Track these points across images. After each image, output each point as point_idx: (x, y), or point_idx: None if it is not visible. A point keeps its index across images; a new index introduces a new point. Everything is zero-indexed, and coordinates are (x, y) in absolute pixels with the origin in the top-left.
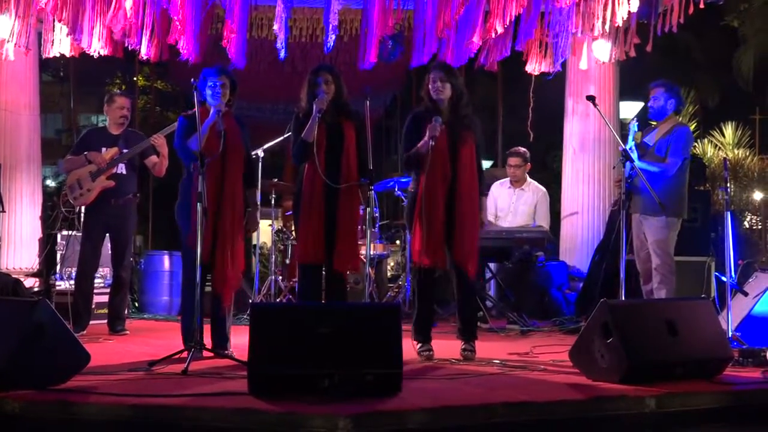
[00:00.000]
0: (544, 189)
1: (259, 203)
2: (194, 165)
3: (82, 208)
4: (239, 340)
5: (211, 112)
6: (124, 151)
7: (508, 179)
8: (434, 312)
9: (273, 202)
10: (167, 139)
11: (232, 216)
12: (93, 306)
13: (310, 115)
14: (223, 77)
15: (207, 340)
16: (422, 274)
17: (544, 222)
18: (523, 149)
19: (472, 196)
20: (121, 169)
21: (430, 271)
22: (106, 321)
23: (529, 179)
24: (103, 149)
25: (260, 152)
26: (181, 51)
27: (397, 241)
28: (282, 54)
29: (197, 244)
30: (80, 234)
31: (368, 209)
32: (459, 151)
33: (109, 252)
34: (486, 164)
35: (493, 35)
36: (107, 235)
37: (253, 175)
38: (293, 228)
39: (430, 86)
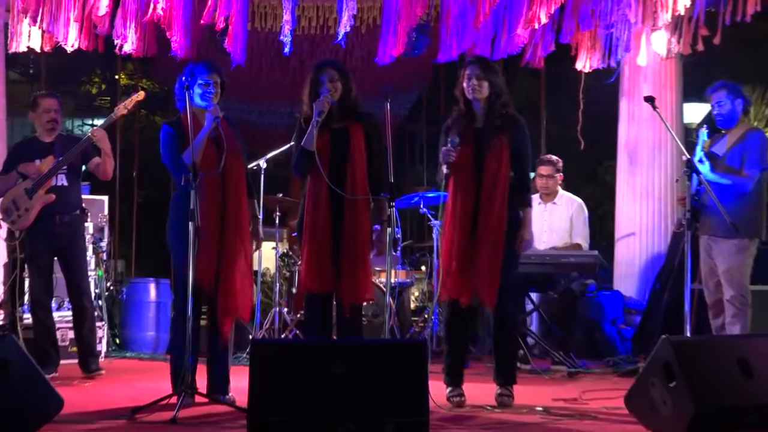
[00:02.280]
0: (580, 200)
1: (260, 217)
2: (185, 178)
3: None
4: (238, 382)
5: (207, 118)
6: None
7: (537, 195)
8: (467, 350)
9: (277, 221)
10: (151, 148)
11: (238, 234)
12: (67, 343)
13: (311, 119)
14: (216, 75)
15: (201, 384)
16: (451, 307)
17: (581, 239)
18: (555, 157)
19: (493, 213)
20: (62, 180)
21: (460, 303)
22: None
23: (561, 191)
24: (37, 161)
25: (262, 163)
26: (172, 44)
27: (423, 267)
28: (287, 48)
29: (188, 269)
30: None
31: (389, 229)
32: (484, 161)
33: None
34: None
35: (536, 26)
36: (56, 259)
37: (249, 185)
38: (300, 251)
39: (464, 84)
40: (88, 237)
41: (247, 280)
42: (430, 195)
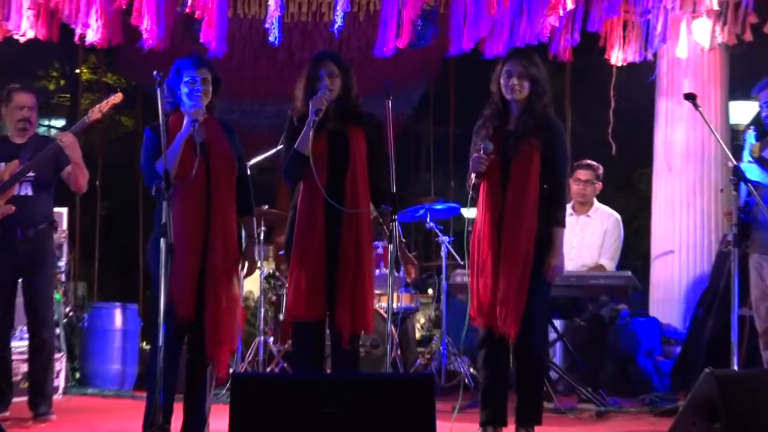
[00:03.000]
0: (617, 215)
1: (263, 234)
2: (156, 188)
3: None
4: (217, 424)
5: (185, 121)
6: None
7: (569, 205)
8: (507, 383)
9: (262, 237)
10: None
11: (225, 254)
12: (20, 377)
13: (306, 118)
14: (204, 70)
15: (175, 425)
16: (486, 334)
17: (607, 259)
18: (595, 162)
19: (520, 230)
20: (26, 189)
21: (494, 331)
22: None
23: (596, 203)
24: (2, 164)
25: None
26: (143, 33)
27: (430, 290)
28: (274, 37)
29: (162, 292)
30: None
31: (390, 247)
32: (511, 166)
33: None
34: None
35: (562, 12)
36: (20, 281)
37: (248, 199)
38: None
39: (502, 82)
40: None
41: (236, 307)
42: (438, 207)
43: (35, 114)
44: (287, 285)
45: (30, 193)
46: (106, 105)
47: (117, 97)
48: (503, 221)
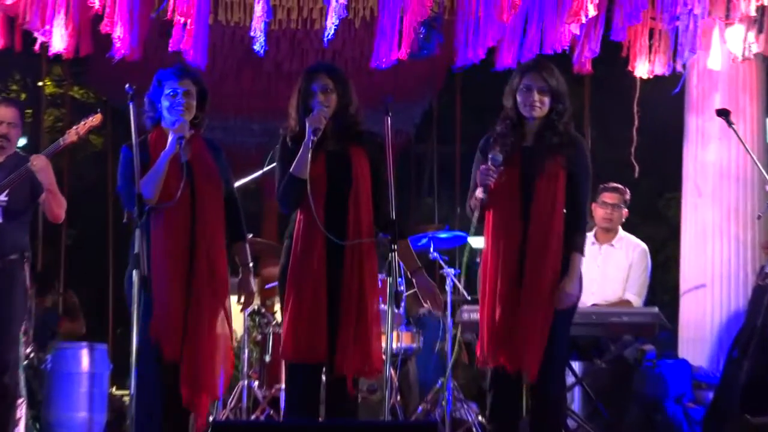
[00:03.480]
0: (644, 246)
1: (251, 265)
2: (128, 214)
3: None
4: None
5: (170, 139)
6: None
7: (591, 233)
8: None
9: None
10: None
11: (211, 287)
12: None
13: (302, 139)
14: (188, 81)
15: None
16: (496, 373)
17: (633, 295)
18: (622, 186)
19: (545, 261)
20: None
21: (506, 372)
22: None
23: (621, 231)
24: None
25: None
26: (115, 42)
27: None
28: (260, 46)
29: (134, 330)
30: None
31: (389, 279)
32: (534, 190)
33: None
34: None
35: (584, 19)
36: None
37: (239, 223)
38: (277, 308)
39: (520, 98)
40: None
41: (219, 347)
42: (443, 236)
43: (16, 131)
44: (278, 322)
45: (0, 220)
46: (83, 127)
47: (96, 119)
48: (526, 247)
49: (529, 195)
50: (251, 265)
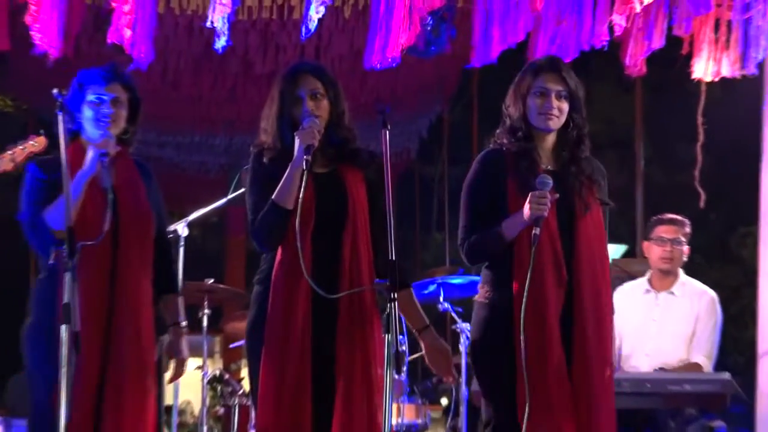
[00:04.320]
0: (713, 293)
1: (184, 324)
2: (56, 254)
3: None
4: None
5: (90, 155)
6: None
7: (645, 278)
8: None
9: (205, 322)
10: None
11: (135, 347)
12: None
13: (283, 157)
14: (117, 86)
15: None
16: None
17: (702, 356)
18: (680, 217)
19: (601, 317)
20: None
21: None
22: None
23: (683, 275)
24: None
25: (181, 228)
26: (36, 37)
27: (443, 400)
28: (221, 42)
29: (60, 403)
30: None
31: (387, 337)
32: (577, 229)
33: None
34: (613, 250)
35: (639, 8)
36: None
37: (170, 270)
38: (245, 374)
39: (533, 104)
40: None
41: (148, 420)
42: (456, 281)
43: None
44: (246, 392)
45: None
46: (21, 152)
47: (39, 143)
48: (575, 304)
49: (570, 238)
50: (184, 324)
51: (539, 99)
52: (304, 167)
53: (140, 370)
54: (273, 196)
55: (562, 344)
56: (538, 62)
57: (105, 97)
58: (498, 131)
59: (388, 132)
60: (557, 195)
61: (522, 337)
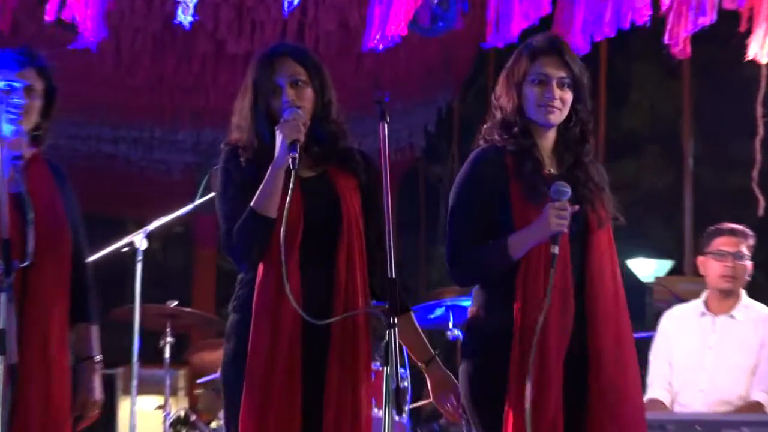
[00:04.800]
0: None
1: (98, 358)
2: None
3: None
4: None
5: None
6: None
7: (700, 300)
8: None
9: (167, 353)
10: None
11: (45, 386)
12: None
13: (262, 157)
14: (30, 72)
15: None
16: None
17: (765, 392)
18: (742, 227)
19: (623, 355)
20: None
21: None
22: None
23: (745, 297)
24: None
25: (139, 240)
26: None
27: None
28: (186, 15)
29: None
30: None
31: (386, 371)
32: (590, 248)
33: None
34: (656, 266)
35: None
36: None
37: (87, 296)
38: (216, 414)
39: (530, 93)
40: None
41: None
42: (467, 304)
43: None
44: None
45: None
46: None
47: None
48: (589, 340)
49: (581, 258)
50: (98, 358)
51: (537, 87)
52: (291, 166)
53: (53, 412)
54: (252, 203)
55: (575, 386)
56: (536, 43)
57: (17, 85)
58: (486, 126)
59: (387, 125)
60: (576, 206)
61: (528, 383)
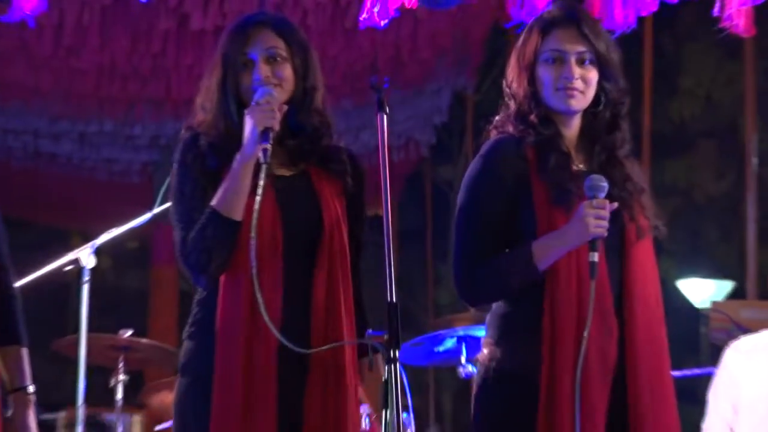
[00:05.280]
0: None
1: (32, 389)
2: None
3: None
4: None
5: None
6: None
7: None
8: None
9: (120, 393)
10: None
11: None
12: None
13: (228, 145)
14: None
15: None
16: None
17: None
18: None
19: (663, 380)
20: None
21: None
22: None
23: None
24: None
25: (86, 256)
26: None
27: None
28: None
29: None
30: None
31: (386, 414)
32: (629, 261)
33: None
34: (713, 289)
35: None
36: None
37: (13, 315)
38: None
39: (546, 75)
40: None
41: None
42: (482, 334)
43: None
44: None
45: None
46: None
47: None
48: (629, 362)
49: (619, 270)
50: (31, 389)
51: (553, 67)
52: (261, 159)
53: None
54: (213, 201)
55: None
56: (548, 14)
57: None
58: (498, 118)
59: (385, 116)
60: (615, 204)
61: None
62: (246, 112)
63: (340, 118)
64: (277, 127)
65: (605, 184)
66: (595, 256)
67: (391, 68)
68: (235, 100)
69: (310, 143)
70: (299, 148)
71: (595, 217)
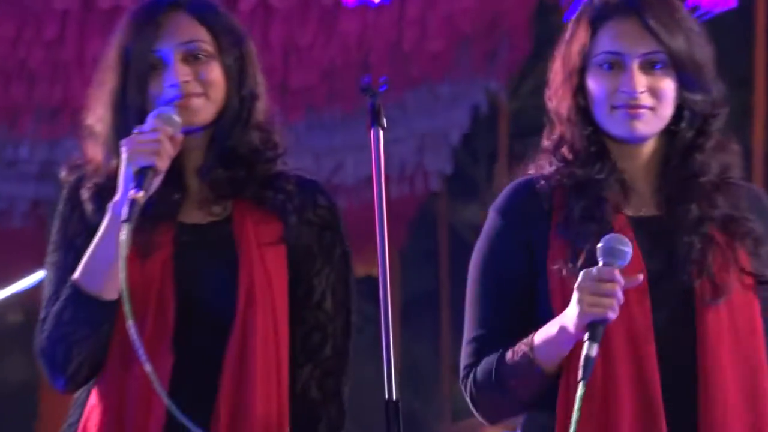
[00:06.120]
0: None
1: None
2: None
3: None
4: None
5: None
6: None
7: None
8: None
9: None
10: None
11: None
12: None
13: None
14: None
15: None
16: None
17: None
18: None
19: None
20: None
21: None
22: None
23: None
24: None
25: None
26: None
27: None
28: None
29: None
30: None
31: None
32: (700, 329)
33: None
34: None
35: None
36: None
37: None
38: None
39: (594, 84)
40: None
41: None
42: None
43: None
44: None
45: None
46: None
47: None
48: None
49: (679, 348)
50: None
51: (609, 76)
52: (124, 215)
53: None
54: (75, 274)
55: None
56: (598, 2)
57: None
58: (545, 143)
59: (382, 133)
60: (641, 277)
61: None
62: (122, 143)
63: (317, 135)
64: (163, 166)
65: (627, 248)
66: (593, 350)
67: (390, 64)
68: (138, 121)
69: (243, 173)
70: (230, 182)
71: (595, 292)
